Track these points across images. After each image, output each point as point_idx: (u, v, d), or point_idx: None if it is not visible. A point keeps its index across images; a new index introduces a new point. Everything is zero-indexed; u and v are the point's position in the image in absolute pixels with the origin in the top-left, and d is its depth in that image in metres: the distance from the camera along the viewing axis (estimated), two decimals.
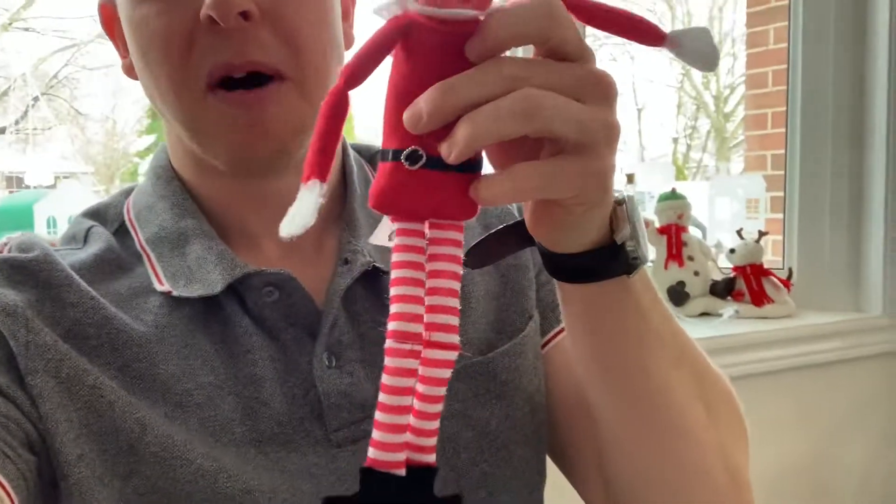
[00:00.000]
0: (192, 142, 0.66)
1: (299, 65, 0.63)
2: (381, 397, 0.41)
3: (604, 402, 0.62)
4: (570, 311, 0.58)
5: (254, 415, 0.62)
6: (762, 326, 1.68)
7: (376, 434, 0.42)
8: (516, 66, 0.41)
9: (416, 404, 0.42)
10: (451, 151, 0.40)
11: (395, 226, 0.43)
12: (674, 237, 1.76)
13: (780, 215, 2.01)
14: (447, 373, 0.42)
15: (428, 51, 0.41)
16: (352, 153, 0.77)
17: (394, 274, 0.42)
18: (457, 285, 0.43)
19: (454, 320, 0.42)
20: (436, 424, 0.43)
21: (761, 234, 1.78)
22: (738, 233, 1.80)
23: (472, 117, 0.40)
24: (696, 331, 1.60)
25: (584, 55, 0.43)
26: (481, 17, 0.40)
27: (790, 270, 1.84)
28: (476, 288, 0.72)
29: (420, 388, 0.42)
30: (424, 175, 0.41)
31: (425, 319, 0.42)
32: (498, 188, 0.42)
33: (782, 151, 2.03)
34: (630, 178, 1.91)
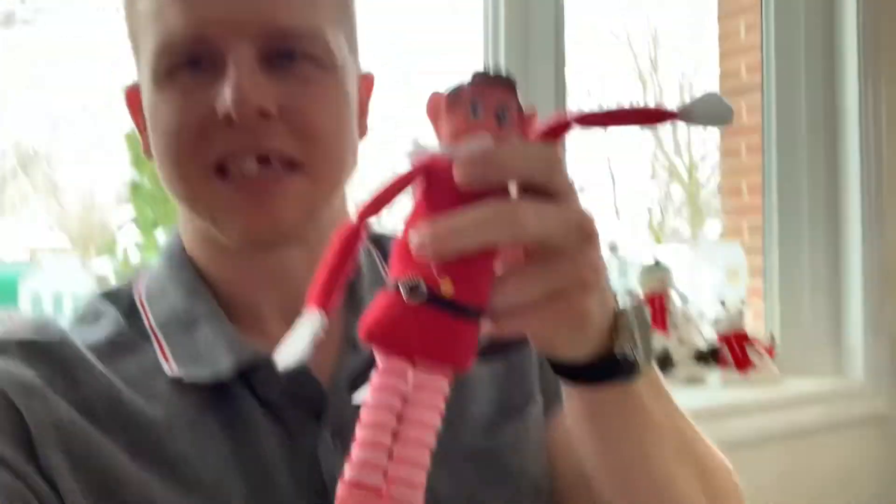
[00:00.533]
0: (199, 219, 0.67)
1: (313, 154, 0.64)
2: None
3: (607, 491, 0.62)
4: (571, 407, 0.58)
5: (261, 497, 0.62)
6: (747, 393, 1.70)
7: None
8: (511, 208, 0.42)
9: None
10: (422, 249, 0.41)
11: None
12: (658, 306, 1.78)
13: (760, 282, 2.04)
14: None
15: (444, 189, 0.42)
16: None
17: (363, 414, 0.40)
18: (431, 438, 0.40)
19: (419, 476, 0.39)
20: None
21: (743, 302, 1.81)
22: (721, 302, 1.83)
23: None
24: (682, 399, 1.60)
25: (568, 195, 0.44)
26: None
27: (772, 337, 1.87)
28: (479, 369, 0.72)
29: None
30: (423, 311, 0.40)
31: (389, 471, 0.39)
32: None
33: (759, 220, 2.08)
34: (612, 247, 1.95)
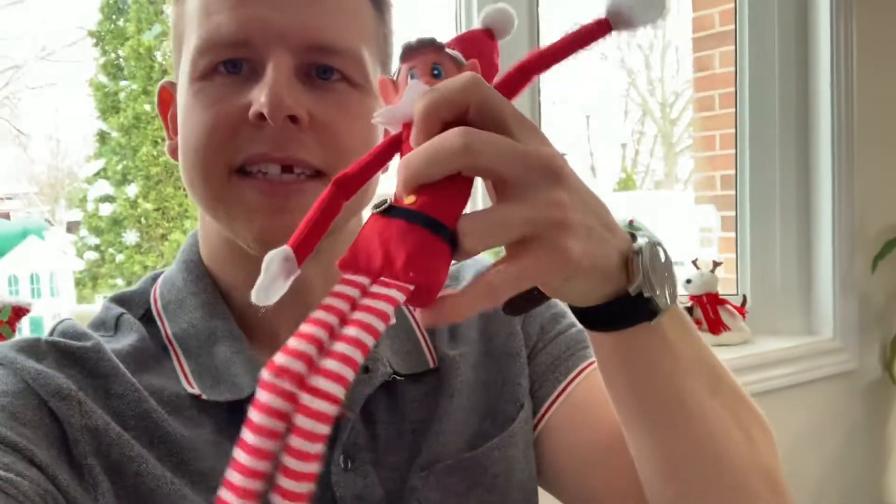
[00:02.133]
0: (217, 221, 0.67)
1: (337, 167, 0.63)
2: (245, 435, 0.37)
3: (643, 438, 0.61)
4: (600, 353, 0.58)
5: None
6: (721, 355, 1.71)
7: (232, 476, 0.37)
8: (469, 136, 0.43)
9: (286, 460, 0.37)
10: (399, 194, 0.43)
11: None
12: None
13: (732, 234, 2.06)
14: (325, 428, 0.37)
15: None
16: None
17: (311, 314, 0.40)
18: (368, 339, 0.39)
19: (347, 372, 0.37)
20: (307, 487, 0.37)
21: (716, 263, 1.83)
22: (694, 262, 1.84)
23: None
24: None
25: (522, 131, 0.44)
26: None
27: (744, 297, 1.89)
28: (467, 379, 0.73)
29: (293, 441, 0.37)
30: (386, 222, 0.42)
31: (318, 363, 0.38)
32: (458, 309, 0.43)
33: (731, 172, 2.09)
34: None
